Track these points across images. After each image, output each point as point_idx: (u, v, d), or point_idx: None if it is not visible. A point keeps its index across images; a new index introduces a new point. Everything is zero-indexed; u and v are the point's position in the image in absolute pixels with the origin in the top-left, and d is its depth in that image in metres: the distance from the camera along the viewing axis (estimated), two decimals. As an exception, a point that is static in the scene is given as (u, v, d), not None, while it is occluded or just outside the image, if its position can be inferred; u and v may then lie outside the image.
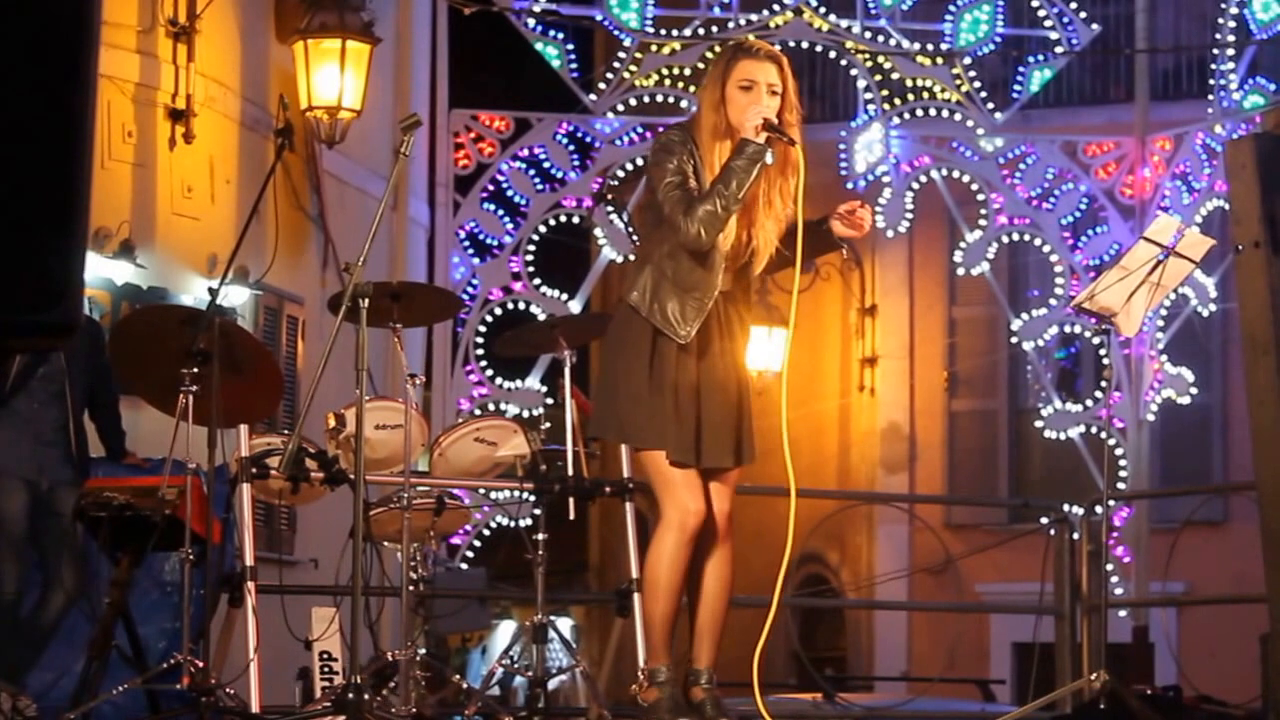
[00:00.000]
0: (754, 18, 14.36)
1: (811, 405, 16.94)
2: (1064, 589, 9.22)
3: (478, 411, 13.26)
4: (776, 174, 5.55)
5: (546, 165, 14.07)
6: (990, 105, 14.73)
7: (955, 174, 14.87)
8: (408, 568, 6.55)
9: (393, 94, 12.60)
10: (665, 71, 14.16)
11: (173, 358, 6.31)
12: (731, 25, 14.25)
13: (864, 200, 5.74)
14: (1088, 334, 14.88)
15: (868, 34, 14.61)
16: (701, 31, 14.22)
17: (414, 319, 6.83)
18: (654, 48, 14.18)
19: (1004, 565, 14.83)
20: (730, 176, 5.39)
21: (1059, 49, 14.83)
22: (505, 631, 20.90)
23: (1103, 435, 14.02)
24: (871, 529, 17.61)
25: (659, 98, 14.17)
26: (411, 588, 6.57)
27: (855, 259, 17.68)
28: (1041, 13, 14.77)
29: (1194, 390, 14.71)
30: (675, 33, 14.20)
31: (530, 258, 13.93)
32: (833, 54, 14.89)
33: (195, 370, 6.29)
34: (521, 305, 13.90)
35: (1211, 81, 14.75)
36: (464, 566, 13.60)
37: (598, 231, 14.18)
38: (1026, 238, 14.98)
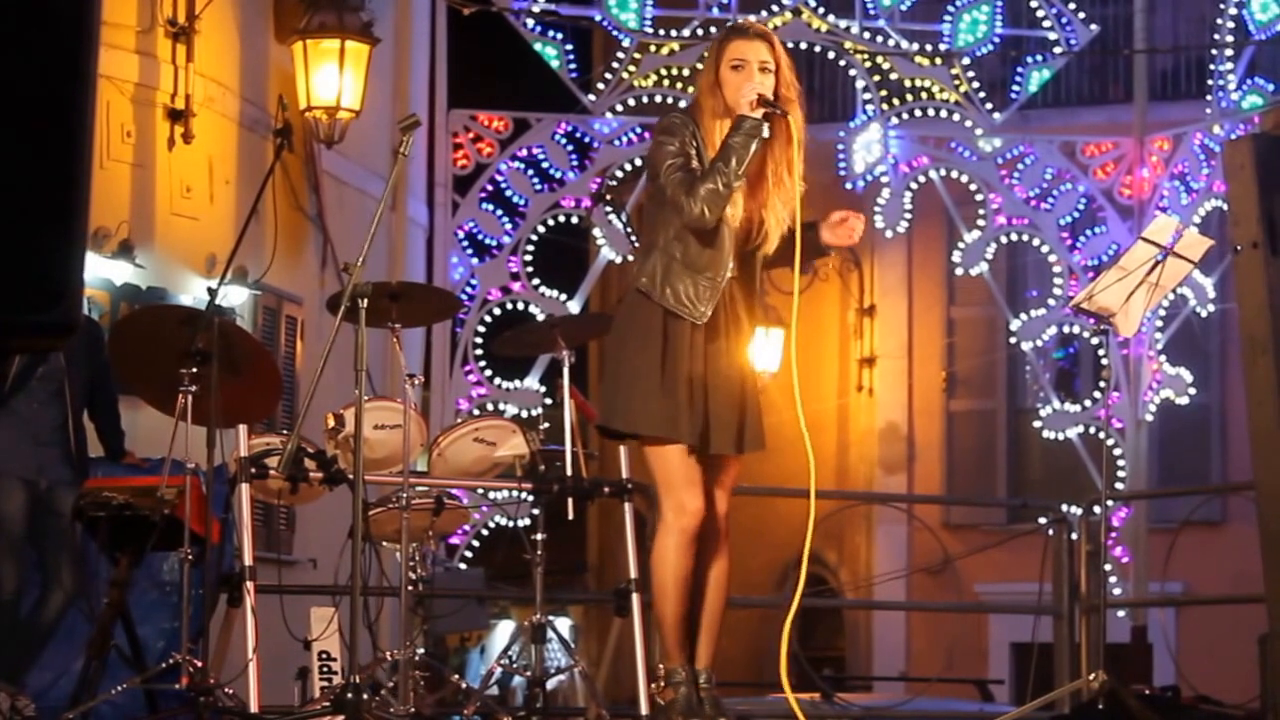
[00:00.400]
0: (752, 18, 14.35)
1: (810, 405, 16.91)
2: (1062, 589, 9.22)
3: (476, 411, 13.26)
4: (781, 151, 5.55)
5: (545, 165, 14.07)
6: (989, 105, 14.73)
7: (954, 174, 14.87)
8: (406, 567, 6.55)
9: (391, 94, 12.60)
10: (664, 72, 14.16)
11: (172, 358, 6.31)
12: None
13: (858, 209, 5.75)
14: (1086, 334, 14.85)
15: (866, 34, 14.62)
16: (700, 32, 14.22)
17: (413, 319, 6.83)
18: (653, 48, 14.19)
19: (1002, 565, 14.83)
20: (729, 153, 5.40)
21: (1057, 49, 14.84)
22: (504, 631, 20.90)
23: (1101, 435, 14.09)
24: (870, 529, 17.61)
25: (658, 98, 14.17)
26: (410, 587, 6.57)
27: (854, 261, 17.70)
28: (1040, 13, 14.78)
29: (1192, 390, 14.71)
30: (674, 33, 14.20)
31: (529, 258, 13.94)
32: (831, 54, 14.89)
33: (194, 370, 6.29)
34: (520, 305, 13.90)
35: (1210, 82, 14.76)
36: (463, 566, 13.61)
37: (596, 232, 14.18)
38: (1025, 238, 14.99)
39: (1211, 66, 14.77)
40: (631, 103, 14.18)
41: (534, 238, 13.99)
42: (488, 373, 13.82)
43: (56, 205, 2.69)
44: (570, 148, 14.10)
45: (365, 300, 5.98)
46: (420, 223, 13.45)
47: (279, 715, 6.54)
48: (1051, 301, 14.89)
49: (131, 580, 6.93)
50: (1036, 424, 15.26)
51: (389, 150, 12.24)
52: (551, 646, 6.94)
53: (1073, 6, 14.74)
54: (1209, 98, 14.72)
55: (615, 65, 14.25)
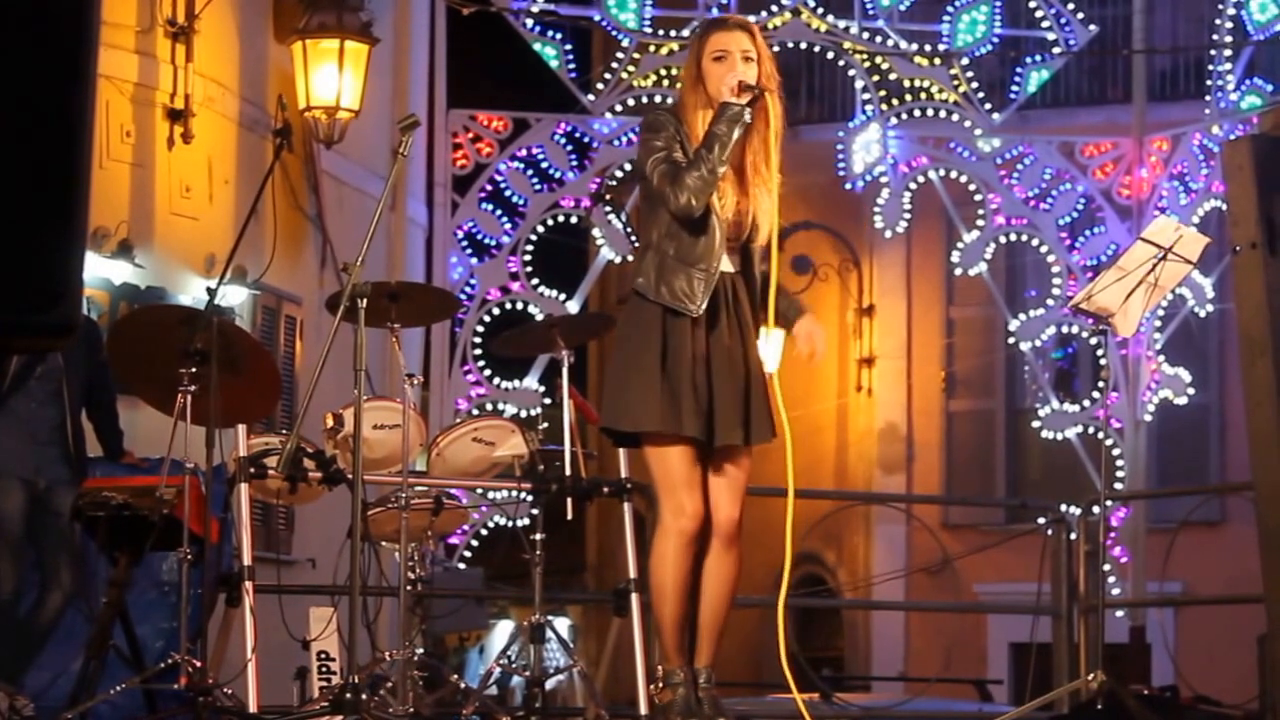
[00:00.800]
0: (751, 18, 14.34)
1: (809, 405, 16.94)
2: (1061, 589, 9.22)
3: (475, 411, 13.26)
4: (759, 141, 5.55)
5: (545, 165, 14.07)
6: (988, 106, 14.73)
7: (953, 174, 14.88)
8: (405, 567, 6.56)
9: (391, 94, 12.60)
10: (663, 72, 14.16)
11: (171, 357, 6.31)
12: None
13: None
14: (1085, 334, 14.84)
15: (865, 35, 14.62)
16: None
17: (412, 319, 6.83)
18: (652, 48, 14.19)
19: (1001, 565, 14.83)
20: (713, 140, 5.41)
21: (1056, 50, 14.84)
22: (503, 631, 20.90)
23: (1100, 435, 14.11)
24: (869, 529, 17.61)
25: (657, 98, 14.17)
26: (409, 587, 6.58)
27: (853, 261, 17.72)
28: (1039, 13, 14.78)
29: (1191, 390, 14.72)
30: (673, 33, 14.20)
31: (528, 258, 13.94)
32: (830, 55, 14.90)
33: (193, 370, 6.29)
34: (519, 305, 13.91)
35: (1209, 82, 14.76)
36: (462, 566, 13.61)
37: (596, 232, 14.18)
38: (1024, 238, 14.99)
39: (1210, 67, 14.77)
40: (631, 103, 14.18)
41: (533, 238, 13.99)
42: (487, 373, 13.82)
43: (56, 205, 2.69)
44: (570, 148, 14.11)
45: (364, 300, 5.98)
46: (419, 222, 13.46)
47: (278, 715, 6.54)
48: (1050, 301, 14.89)
49: (130, 580, 6.93)
50: (1035, 424, 15.26)
51: (388, 150, 12.25)
52: (550, 646, 6.94)
53: (1071, 7, 14.75)
54: (1208, 98, 14.72)
55: (614, 65, 14.25)
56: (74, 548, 7.33)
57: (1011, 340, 15.28)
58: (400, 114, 11.13)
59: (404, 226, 12.92)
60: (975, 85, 14.72)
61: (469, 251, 13.98)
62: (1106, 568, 10.45)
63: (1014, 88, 14.93)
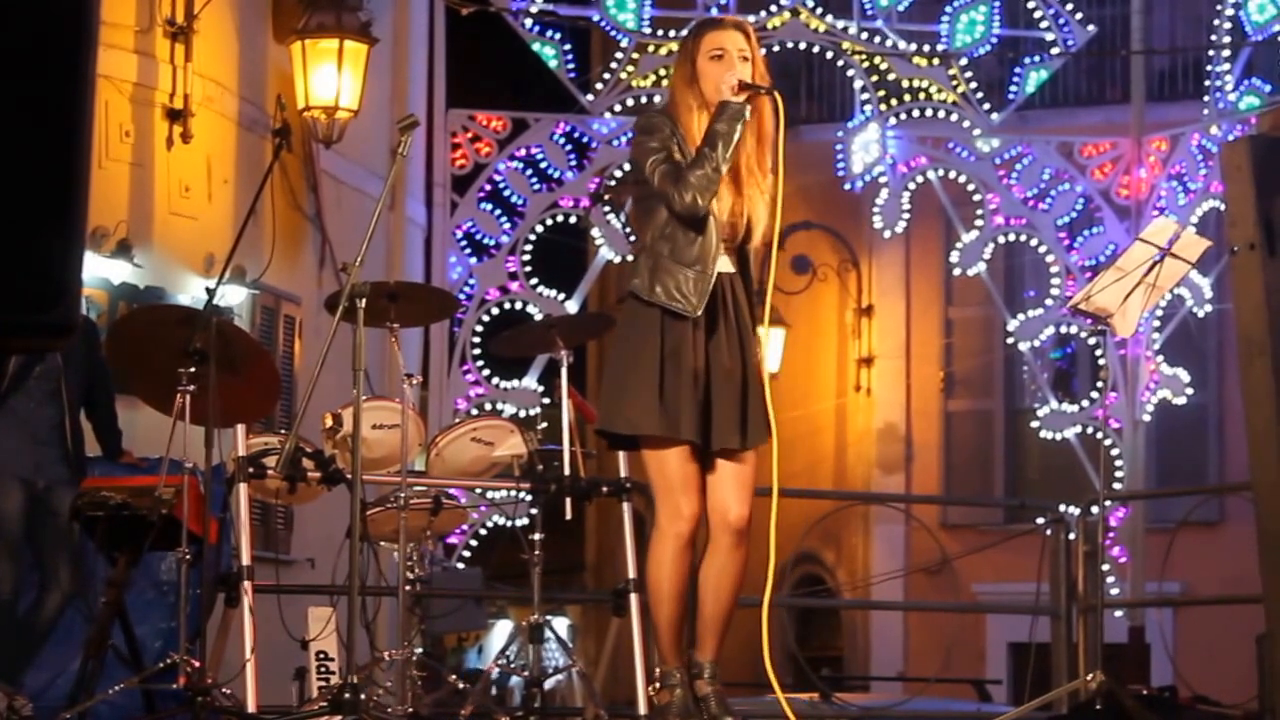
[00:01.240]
0: (750, 18, 14.36)
1: (808, 405, 16.94)
2: (1060, 589, 9.22)
3: (474, 411, 13.26)
4: (754, 142, 5.55)
5: (544, 165, 14.07)
6: (986, 106, 14.74)
7: (952, 174, 14.88)
8: (404, 567, 6.56)
9: (390, 94, 12.61)
10: (662, 72, 14.15)
11: (170, 357, 6.31)
12: (728, 26, 14.24)
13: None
14: (1084, 335, 14.86)
15: (864, 35, 14.62)
16: (698, 32, 14.21)
17: (411, 319, 6.84)
18: (651, 48, 14.19)
19: (1000, 565, 14.83)
20: (715, 139, 5.40)
21: (1055, 50, 14.84)
22: (502, 631, 20.91)
23: (1099, 435, 14.11)
24: (868, 529, 17.61)
25: (656, 98, 14.17)
26: (408, 587, 6.58)
27: (852, 261, 17.71)
28: (1037, 14, 14.78)
29: (1190, 391, 14.72)
30: (672, 33, 14.20)
31: (527, 258, 13.94)
32: (829, 55, 14.90)
33: (192, 370, 6.29)
34: (518, 305, 13.91)
35: (1207, 82, 14.76)
36: (460, 566, 13.60)
37: (595, 231, 14.18)
38: (1023, 238, 14.99)
39: (1209, 67, 14.77)
40: (630, 103, 14.18)
41: (532, 237, 13.99)
42: (485, 372, 13.82)
43: (55, 205, 2.69)
44: (569, 148, 14.11)
45: (363, 300, 5.98)
46: (418, 222, 13.46)
47: (276, 715, 6.54)
48: (1049, 302, 14.89)
49: (129, 580, 6.94)
50: (1034, 424, 15.26)
51: (387, 150, 12.25)
52: (549, 646, 6.95)
53: (1070, 7, 14.75)
54: (1206, 98, 14.72)
55: (614, 65, 14.25)
56: (73, 547, 7.33)
57: (1010, 340, 15.28)
58: (399, 114, 11.13)
59: (403, 226, 12.92)
60: (974, 85, 14.72)
61: (468, 251, 13.98)
62: (1105, 568, 10.45)
63: (1013, 88, 14.93)
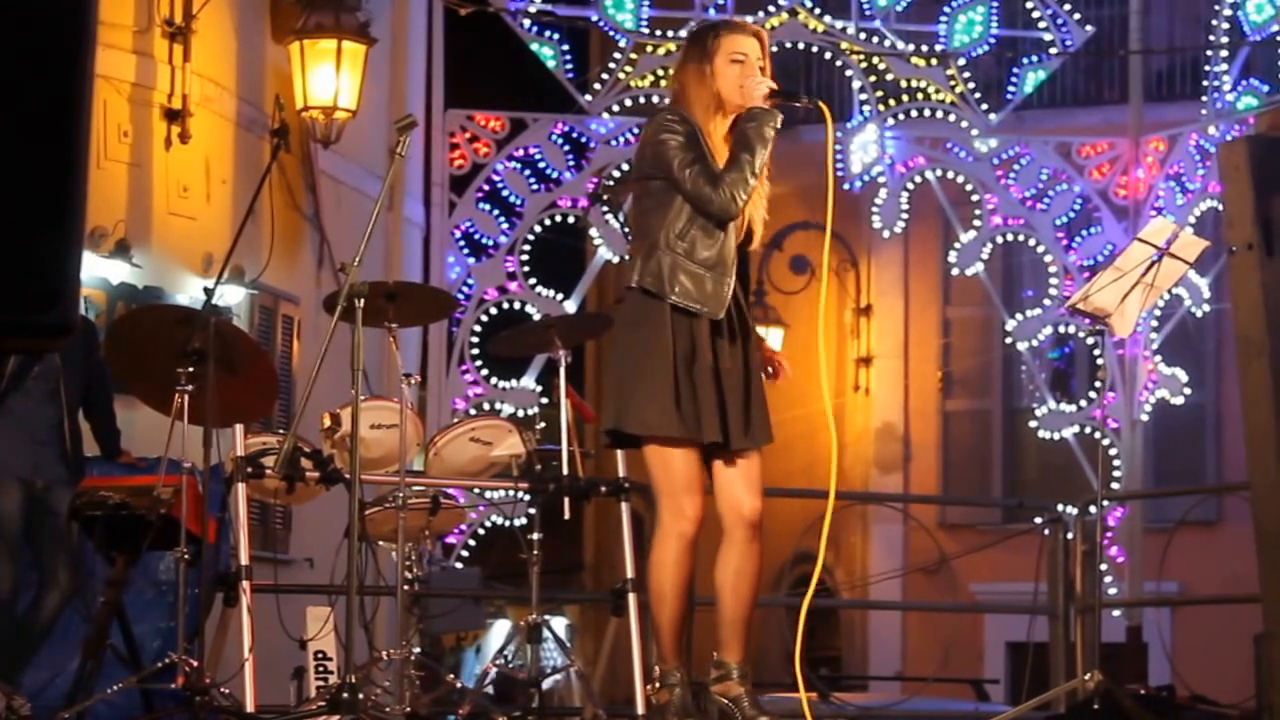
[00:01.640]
0: (749, 18, 14.35)
1: (806, 406, 16.95)
2: (1058, 589, 9.23)
3: (473, 411, 13.27)
4: None
5: (542, 165, 14.07)
6: (984, 106, 14.74)
7: (950, 175, 14.88)
8: (403, 567, 6.56)
9: (388, 94, 12.61)
10: (660, 72, 14.16)
11: (168, 357, 6.32)
12: (727, 26, 14.24)
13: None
14: (1082, 334, 14.87)
15: (862, 35, 14.62)
16: (697, 32, 14.21)
17: (409, 319, 6.84)
18: (649, 48, 14.20)
19: (998, 565, 14.84)
20: (753, 143, 5.44)
21: (1053, 50, 14.85)
22: (500, 631, 20.90)
23: (1097, 435, 14.12)
24: (866, 529, 17.62)
25: (654, 98, 14.17)
26: (406, 587, 6.58)
27: (851, 261, 17.71)
28: (1035, 14, 14.79)
29: (1187, 391, 14.72)
30: (670, 33, 14.21)
31: (525, 258, 13.94)
32: (828, 55, 14.90)
33: (190, 370, 6.29)
34: (517, 305, 13.91)
35: (1205, 83, 14.77)
36: (459, 566, 13.61)
37: (593, 231, 14.19)
38: (1021, 238, 15.00)
39: (1207, 67, 14.77)
40: (628, 103, 14.19)
41: (530, 237, 13.99)
42: (484, 372, 13.83)
43: (54, 205, 2.70)
44: (567, 148, 14.11)
45: (362, 300, 5.98)
46: (417, 222, 13.46)
47: (275, 715, 6.54)
48: (1047, 301, 14.89)
49: (128, 579, 6.94)
50: (1032, 424, 15.26)
51: (386, 150, 12.25)
52: (548, 646, 6.95)
53: (1068, 7, 14.76)
54: (1204, 99, 14.72)
55: (612, 65, 14.25)
56: (71, 547, 7.33)
57: (1008, 340, 15.29)
58: (397, 114, 11.12)
59: (401, 226, 12.93)
60: (972, 86, 14.72)
61: (466, 251, 13.99)
62: (1103, 567, 10.47)
63: (1011, 88, 14.94)
